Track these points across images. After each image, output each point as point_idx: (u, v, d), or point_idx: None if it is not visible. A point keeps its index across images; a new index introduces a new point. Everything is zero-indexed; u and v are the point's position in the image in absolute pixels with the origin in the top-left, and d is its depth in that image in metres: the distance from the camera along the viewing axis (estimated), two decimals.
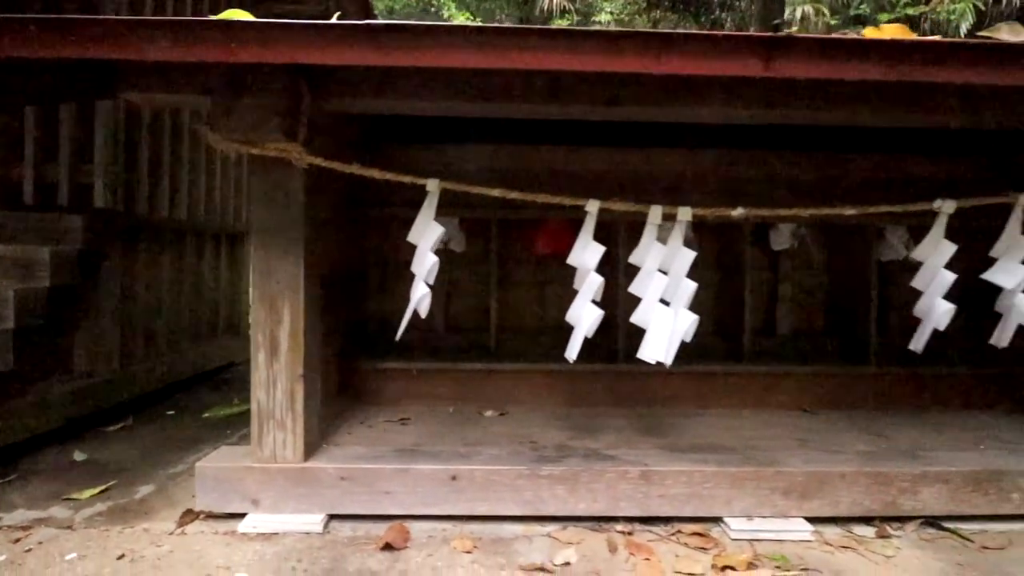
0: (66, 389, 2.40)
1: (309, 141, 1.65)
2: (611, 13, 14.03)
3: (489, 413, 2.28)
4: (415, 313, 1.74)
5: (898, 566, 1.55)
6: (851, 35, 1.25)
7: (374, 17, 4.11)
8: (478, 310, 2.67)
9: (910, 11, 13.08)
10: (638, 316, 1.64)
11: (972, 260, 1.93)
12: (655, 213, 1.62)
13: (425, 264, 1.61)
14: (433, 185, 1.60)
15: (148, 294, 2.93)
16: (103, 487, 1.94)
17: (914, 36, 1.25)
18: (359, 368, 2.38)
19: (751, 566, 1.51)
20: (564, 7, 17.29)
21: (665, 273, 1.63)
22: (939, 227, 1.72)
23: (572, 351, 1.65)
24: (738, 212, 1.64)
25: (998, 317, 1.84)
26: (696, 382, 2.45)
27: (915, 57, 1.22)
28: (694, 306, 1.66)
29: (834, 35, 1.25)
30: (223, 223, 3.63)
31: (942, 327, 1.74)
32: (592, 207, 1.62)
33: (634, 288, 1.66)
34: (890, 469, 1.74)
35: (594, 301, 1.64)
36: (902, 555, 1.61)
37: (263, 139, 1.54)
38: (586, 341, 1.75)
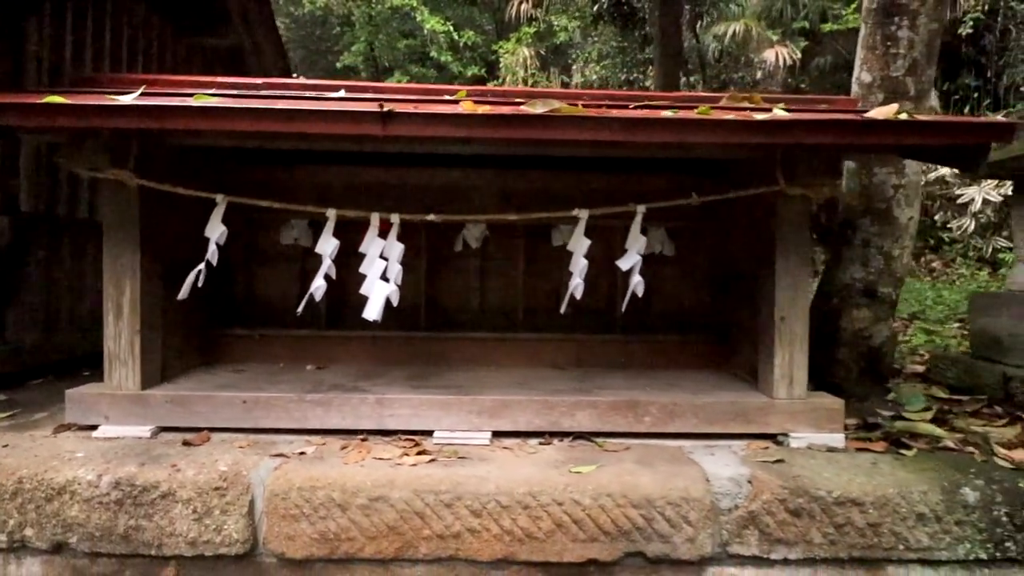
0: None
1: (144, 167, 2.38)
2: (566, 28, 14.79)
3: (310, 367, 3.03)
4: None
5: (529, 457, 2.28)
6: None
7: (284, 50, 4.84)
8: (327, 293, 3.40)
9: (853, 24, 13.80)
10: (365, 288, 2.38)
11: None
12: (375, 219, 2.37)
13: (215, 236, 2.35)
14: (220, 198, 2.34)
15: (73, 280, 3.68)
16: (10, 413, 2.68)
17: (485, 109, 1.97)
18: (215, 334, 3.12)
19: (422, 453, 2.25)
20: (531, 15, 18.08)
21: (385, 258, 2.37)
22: (580, 227, 2.45)
23: (299, 309, 2.41)
24: (431, 217, 2.38)
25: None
26: (482, 347, 3.18)
27: (480, 120, 1.96)
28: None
29: (430, 109, 1.98)
30: None
31: (578, 296, 2.48)
32: (331, 213, 2.36)
33: (362, 268, 2.40)
34: (554, 398, 2.48)
35: (327, 276, 2.39)
36: (541, 454, 2.33)
37: (102, 167, 2.27)
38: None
